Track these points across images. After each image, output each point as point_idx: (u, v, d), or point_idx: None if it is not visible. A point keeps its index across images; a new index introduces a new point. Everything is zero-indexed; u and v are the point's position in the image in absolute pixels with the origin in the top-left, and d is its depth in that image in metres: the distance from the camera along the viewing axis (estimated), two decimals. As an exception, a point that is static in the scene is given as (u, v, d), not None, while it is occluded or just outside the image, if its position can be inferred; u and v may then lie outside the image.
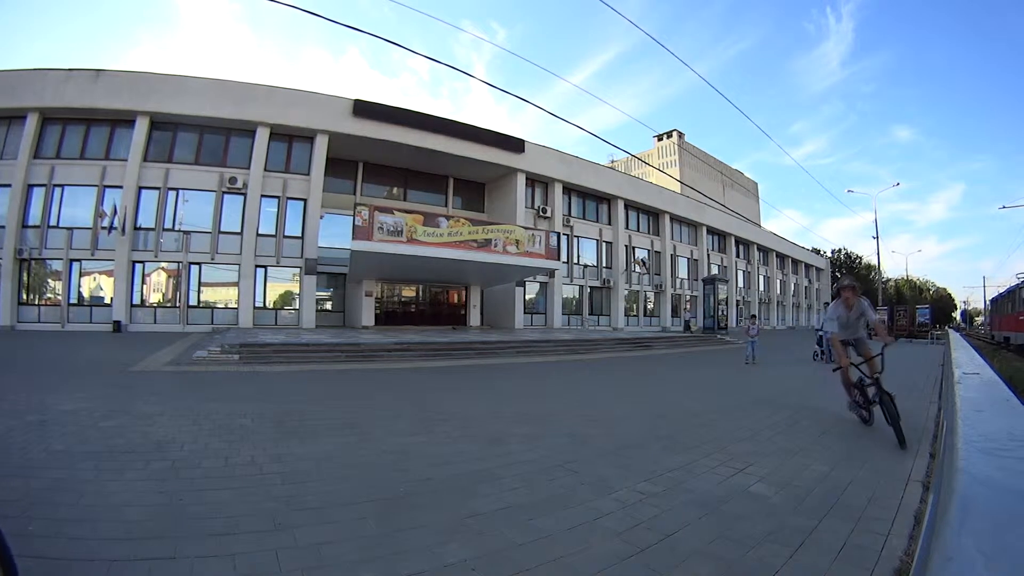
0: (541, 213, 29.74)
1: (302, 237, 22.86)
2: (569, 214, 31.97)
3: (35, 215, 20.44)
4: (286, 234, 22.91)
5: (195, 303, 21.79)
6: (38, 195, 20.50)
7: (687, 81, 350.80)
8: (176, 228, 21.57)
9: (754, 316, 20.43)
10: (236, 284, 22.02)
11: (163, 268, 21.68)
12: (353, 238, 17.75)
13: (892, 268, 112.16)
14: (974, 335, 50.43)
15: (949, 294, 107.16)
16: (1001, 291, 35.80)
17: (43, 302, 20.76)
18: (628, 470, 4.37)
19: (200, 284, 21.96)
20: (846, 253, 78.28)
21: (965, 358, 5.62)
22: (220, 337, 15.35)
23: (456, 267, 21.43)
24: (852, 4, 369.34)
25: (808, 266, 63.40)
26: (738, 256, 48.00)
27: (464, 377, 11.08)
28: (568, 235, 31.36)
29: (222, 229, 21.97)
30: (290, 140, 23.30)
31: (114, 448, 4.57)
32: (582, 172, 32.10)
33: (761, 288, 51.58)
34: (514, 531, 3.09)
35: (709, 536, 3.06)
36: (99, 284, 21.23)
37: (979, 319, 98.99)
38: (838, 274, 75.53)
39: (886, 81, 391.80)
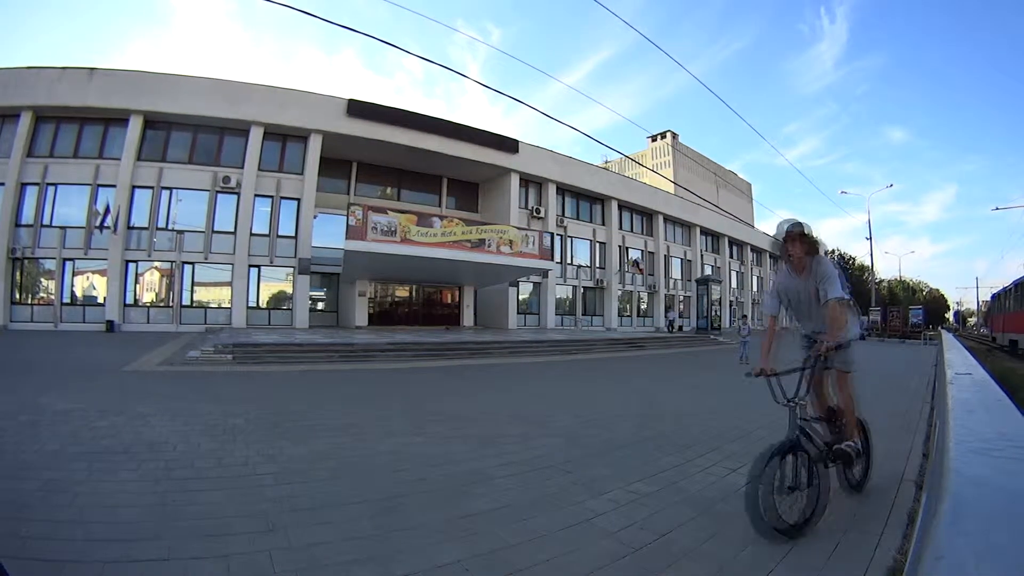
0: (535, 213, 29.72)
1: (296, 237, 22.79)
2: (563, 214, 31.97)
3: (28, 214, 20.28)
4: (280, 234, 22.82)
5: (188, 303, 21.70)
6: (31, 194, 20.35)
7: (681, 82, 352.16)
8: (169, 227, 21.45)
9: (745, 316, 20.57)
10: (230, 284, 21.93)
11: (156, 267, 21.57)
12: (347, 238, 17.71)
13: (885, 269, 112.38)
14: (968, 336, 50.11)
15: (942, 295, 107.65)
16: (1002, 286, 30.06)
17: (36, 301, 20.63)
18: (622, 470, 4.39)
19: (193, 284, 21.87)
20: (839, 254, 78.49)
21: (957, 359, 5.60)
22: (213, 337, 15.30)
23: (450, 267, 21.42)
24: (846, 5, 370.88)
25: (801, 267, 63.45)
26: (731, 256, 48.12)
27: (458, 377, 11.09)
28: (562, 235, 31.37)
29: (215, 229, 21.87)
30: (284, 140, 23.22)
31: (107, 449, 4.56)
32: (576, 172, 32.12)
33: (754, 289, 51.74)
34: (508, 531, 3.09)
35: (703, 536, 3.08)
36: (92, 283, 21.10)
37: (972, 319, 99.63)
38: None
39: (880, 82, 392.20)
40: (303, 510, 3.32)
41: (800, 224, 3.74)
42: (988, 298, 42.88)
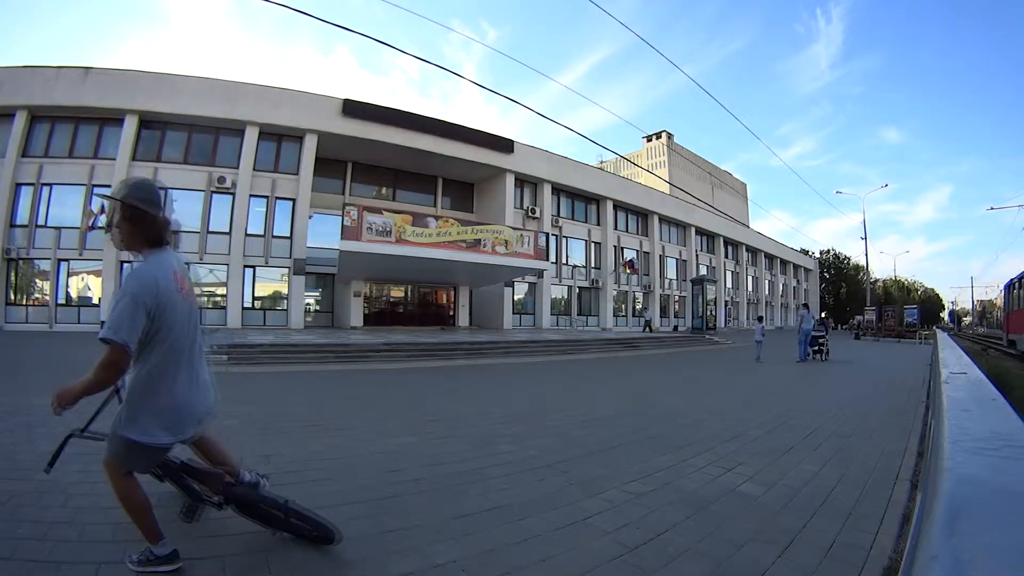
0: (530, 213, 29.76)
1: (291, 237, 22.75)
2: (558, 214, 32.01)
3: (23, 214, 20.23)
4: (275, 234, 22.79)
5: (184, 303, 21.60)
6: (26, 194, 20.30)
7: (677, 82, 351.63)
8: (165, 227, 21.37)
9: (761, 318, 20.82)
10: (224, 284, 21.88)
11: (152, 268, 21.47)
12: (342, 238, 17.70)
13: (880, 269, 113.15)
14: (964, 335, 49.80)
15: (937, 295, 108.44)
16: (1001, 284, 25.36)
17: (31, 302, 20.56)
18: (617, 470, 4.38)
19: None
20: (834, 254, 78.85)
21: (952, 358, 5.60)
22: (208, 338, 15.23)
23: (445, 267, 21.42)
24: (842, 7, 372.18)
25: (796, 267, 63.80)
26: (727, 257, 48.25)
27: (453, 378, 11.07)
28: (557, 235, 31.39)
29: (210, 229, 21.81)
30: (279, 140, 23.19)
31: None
32: (571, 173, 32.16)
33: (749, 288, 51.87)
34: (503, 531, 3.09)
35: (698, 535, 3.08)
36: (87, 284, 21.04)
37: (967, 319, 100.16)
38: (827, 275, 75.99)
39: (875, 83, 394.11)
40: (299, 511, 3.30)
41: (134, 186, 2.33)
42: (1000, 291, 34.97)
